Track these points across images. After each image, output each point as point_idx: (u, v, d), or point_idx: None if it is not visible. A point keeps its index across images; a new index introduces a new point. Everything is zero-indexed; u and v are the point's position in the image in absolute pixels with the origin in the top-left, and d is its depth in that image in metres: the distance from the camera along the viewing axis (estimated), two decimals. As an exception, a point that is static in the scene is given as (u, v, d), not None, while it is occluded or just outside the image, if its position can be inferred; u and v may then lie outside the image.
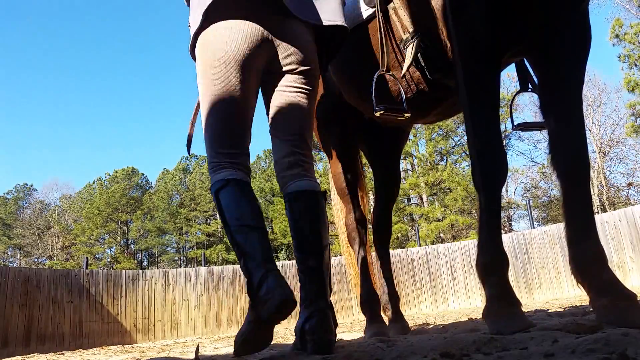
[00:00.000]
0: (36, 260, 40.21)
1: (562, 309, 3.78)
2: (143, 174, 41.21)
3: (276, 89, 1.89)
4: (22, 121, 63.89)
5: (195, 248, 35.99)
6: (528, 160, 28.92)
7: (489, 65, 1.79)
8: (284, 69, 1.87)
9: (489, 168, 1.76)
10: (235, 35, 1.76)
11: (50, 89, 63.72)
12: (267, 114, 1.94)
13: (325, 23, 1.93)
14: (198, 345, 3.38)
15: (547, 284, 9.41)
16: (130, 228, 38.50)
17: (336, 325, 1.83)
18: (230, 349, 3.25)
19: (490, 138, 1.77)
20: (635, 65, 16.48)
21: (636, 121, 17.32)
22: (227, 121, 1.78)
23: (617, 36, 16.68)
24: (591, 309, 1.90)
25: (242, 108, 1.80)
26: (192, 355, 3.26)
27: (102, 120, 66.30)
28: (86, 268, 9.96)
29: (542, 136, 27.63)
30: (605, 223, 8.83)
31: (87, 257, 16.03)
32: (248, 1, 1.80)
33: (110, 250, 38.80)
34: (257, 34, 1.78)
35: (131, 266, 33.98)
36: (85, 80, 64.00)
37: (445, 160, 21.18)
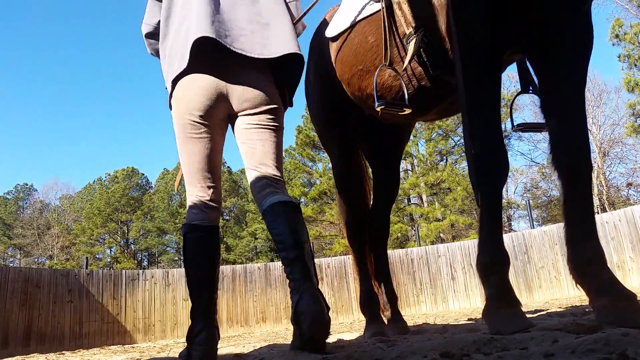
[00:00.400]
0: (36, 260, 40.20)
1: (562, 309, 3.78)
2: (143, 174, 41.22)
3: (241, 128, 2.14)
4: (22, 121, 63.91)
5: (195, 248, 35.93)
6: (528, 160, 28.94)
7: (489, 65, 1.80)
8: (245, 112, 2.11)
9: (490, 168, 1.76)
10: (198, 90, 2.05)
11: (50, 88, 63.73)
12: (239, 149, 2.19)
13: (275, 55, 2.09)
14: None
15: (546, 284, 9.41)
16: (130, 228, 38.50)
17: (328, 308, 1.94)
18: (230, 349, 3.25)
19: (491, 138, 1.77)
20: (635, 65, 16.48)
21: (636, 121, 17.33)
22: (197, 164, 2.12)
23: (617, 36, 16.68)
24: (591, 309, 1.90)
25: (210, 151, 2.13)
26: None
27: (102, 120, 66.32)
28: (86, 268, 9.96)
29: (542, 136, 27.64)
30: (605, 223, 8.83)
31: (87, 257, 16.04)
32: (206, 61, 2.04)
33: (110, 250, 38.80)
34: (215, 87, 2.05)
35: (131, 266, 33.98)
36: (85, 79, 64.02)
37: (445, 160, 21.17)
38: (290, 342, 2.16)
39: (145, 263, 40.21)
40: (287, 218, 1.97)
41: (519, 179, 29.44)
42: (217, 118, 2.13)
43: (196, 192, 2.12)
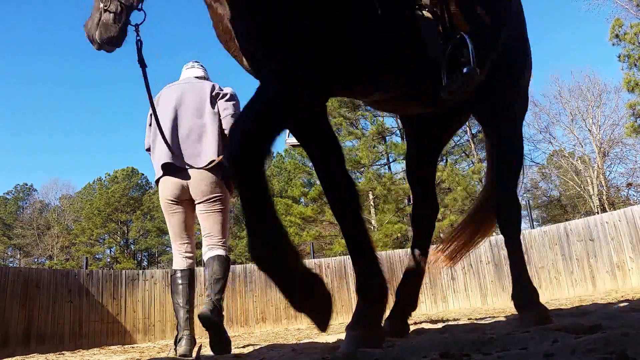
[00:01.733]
0: (36, 260, 40.19)
1: (562, 309, 3.78)
2: (143, 174, 41.17)
3: (197, 210, 3.44)
4: (22, 121, 63.91)
5: (195, 248, 35.96)
6: (528, 160, 28.93)
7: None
8: (198, 200, 3.39)
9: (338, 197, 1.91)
10: (170, 186, 3.42)
11: (50, 88, 63.72)
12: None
13: (203, 165, 3.27)
14: (200, 346, 3.38)
15: (546, 284, 9.41)
16: (130, 228, 38.50)
17: (222, 317, 3.35)
18: (230, 349, 3.25)
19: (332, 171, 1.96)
20: (635, 65, 16.48)
21: (636, 121, 17.32)
22: (175, 229, 3.50)
23: (617, 36, 16.68)
24: (591, 310, 1.90)
25: (182, 221, 3.48)
26: (193, 355, 3.26)
27: (102, 120, 66.33)
28: (86, 268, 9.96)
29: (542, 136, 27.60)
30: (605, 223, 8.83)
31: (87, 257, 16.03)
32: (172, 169, 3.39)
33: (110, 251, 38.79)
34: (179, 183, 3.39)
35: (131, 266, 33.96)
36: (85, 79, 64.02)
37: (445, 160, 21.16)
38: (290, 343, 2.16)
39: (145, 263, 40.20)
40: (215, 267, 3.35)
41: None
42: (184, 200, 3.44)
43: (176, 246, 3.52)
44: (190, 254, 3.48)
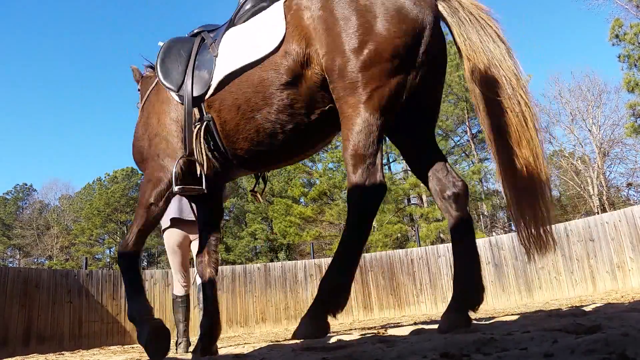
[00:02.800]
0: (36, 260, 40.19)
1: (562, 309, 3.78)
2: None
3: (192, 245, 4.78)
4: (22, 121, 63.89)
5: (195, 248, 35.98)
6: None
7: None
8: (194, 240, 4.71)
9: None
10: (176, 236, 4.74)
11: (50, 88, 63.71)
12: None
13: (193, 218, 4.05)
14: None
15: (546, 284, 9.41)
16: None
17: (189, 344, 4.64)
18: (230, 349, 3.25)
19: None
20: (635, 65, 16.48)
21: (636, 121, 17.32)
22: (177, 267, 4.83)
23: (616, 36, 16.68)
24: (591, 310, 1.90)
25: (182, 262, 4.80)
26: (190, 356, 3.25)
27: (102, 120, 66.32)
28: (86, 268, 9.94)
29: (541, 137, 27.56)
30: (605, 223, 8.83)
31: (86, 258, 16.02)
32: (180, 222, 4.69)
33: (110, 251, 38.78)
34: (183, 234, 4.74)
35: (131, 266, 33.92)
36: (85, 79, 64.02)
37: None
38: (290, 343, 2.17)
39: (144, 263, 40.20)
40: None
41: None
42: (184, 245, 4.80)
43: (177, 278, 4.86)
44: (186, 285, 4.85)
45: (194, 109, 2.43)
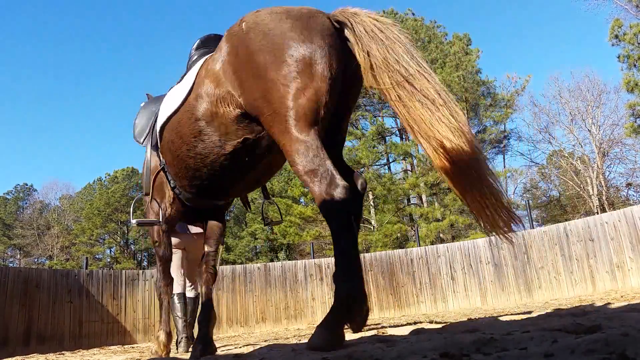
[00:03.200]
0: (36, 260, 40.18)
1: (561, 309, 3.78)
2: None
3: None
4: (22, 121, 63.88)
5: (194, 248, 35.92)
6: (527, 160, 28.90)
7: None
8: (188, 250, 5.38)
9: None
10: (173, 240, 4.61)
11: (50, 88, 63.70)
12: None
13: (194, 232, 5.31)
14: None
15: (546, 284, 9.41)
16: (130, 228, 38.46)
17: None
18: (230, 349, 3.26)
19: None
20: (635, 65, 16.47)
21: (635, 121, 17.32)
22: (174, 268, 4.83)
23: (616, 36, 16.68)
24: (590, 310, 1.90)
25: (179, 264, 5.26)
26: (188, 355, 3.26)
27: (102, 120, 66.30)
28: (86, 268, 9.94)
29: (541, 136, 27.58)
30: (605, 223, 8.83)
31: (87, 257, 16.02)
32: (180, 234, 5.25)
33: (110, 251, 38.78)
34: (177, 240, 5.18)
35: (131, 266, 33.96)
36: (85, 79, 64.00)
37: (445, 161, 21.13)
38: (290, 343, 2.17)
39: (145, 263, 40.18)
40: (190, 304, 5.30)
41: (519, 180, 29.43)
42: (180, 249, 5.30)
43: (176, 278, 4.83)
44: (182, 283, 5.23)
45: (159, 157, 2.97)
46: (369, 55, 2.16)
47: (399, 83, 2.10)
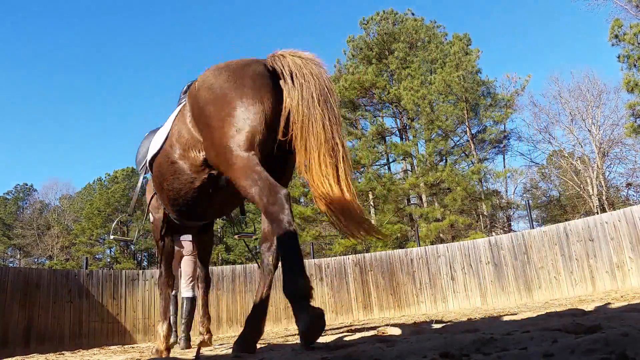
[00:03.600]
0: (36, 260, 40.18)
1: (561, 309, 3.78)
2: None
3: (183, 260, 5.88)
4: (22, 121, 63.88)
5: (194, 248, 35.95)
6: (527, 160, 28.91)
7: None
8: (186, 254, 5.87)
9: None
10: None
11: (50, 88, 63.70)
12: None
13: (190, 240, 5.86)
14: (199, 346, 3.39)
15: (546, 284, 9.41)
16: (130, 228, 38.48)
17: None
18: (230, 349, 3.25)
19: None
20: (635, 65, 16.48)
21: (635, 121, 17.32)
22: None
23: (616, 36, 16.67)
24: (590, 310, 1.90)
25: (174, 267, 5.43)
26: (192, 355, 3.27)
27: (102, 120, 66.31)
28: (86, 268, 9.94)
29: (541, 137, 27.58)
30: (605, 223, 8.83)
31: (87, 257, 16.01)
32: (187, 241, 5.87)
33: (110, 251, 38.79)
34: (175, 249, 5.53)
35: (131, 266, 33.96)
36: (85, 80, 64.01)
37: (444, 161, 21.15)
38: (290, 343, 2.18)
39: (145, 263, 40.18)
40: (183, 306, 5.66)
41: (519, 180, 29.43)
42: (177, 257, 5.67)
43: (183, 282, 5.67)
44: (191, 287, 5.80)
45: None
46: (289, 95, 2.52)
47: (303, 126, 2.44)
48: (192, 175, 2.88)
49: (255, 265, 10.85)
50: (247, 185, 2.31)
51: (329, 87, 2.55)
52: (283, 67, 2.57)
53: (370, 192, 21.48)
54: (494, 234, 20.48)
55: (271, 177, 2.29)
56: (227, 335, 8.90)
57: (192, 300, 5.53)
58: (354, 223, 2.38)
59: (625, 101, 18.62)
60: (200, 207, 3.12)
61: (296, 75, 2.53)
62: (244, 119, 2.48)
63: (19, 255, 41.79)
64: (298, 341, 3.37)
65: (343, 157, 2.48)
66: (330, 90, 2.56)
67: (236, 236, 5.52)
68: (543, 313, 3.14)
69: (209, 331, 4.50)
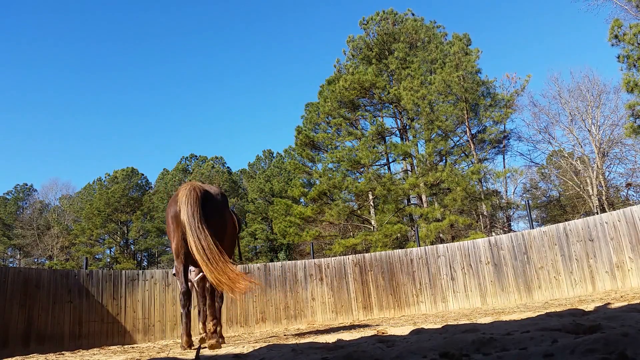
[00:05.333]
0: (36, 260, 40.16)
1: (561, 309, 3.78)
2: (143, 174, 41.17)
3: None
4: (22, 121, 63.83)
5: (194, 248, 35.88)
6: (527, 160, 28.89)
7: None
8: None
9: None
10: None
11: (50, 88, 63.67)
12: None
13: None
14: (199, 346, 3.39)
15: (546, 284, 9.41)
16: (130, 228, 38.47)
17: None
18: (230, 349, 3.26)
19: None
20: (635, 65, 16.47)
21: (635, 121, 17.32)
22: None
23: (616, 37, 16.67)
24: (590, 310, 1.90)
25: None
26: (192, 355, 3.27)
27: (102, 120, 66.26)
28: (86, 268, 9.94)
29: (541, 137, 27.57)
30: (605, 223, 8.83)
31: (86, 258, 16.01)
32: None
33: (110, 251, 38.76)
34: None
35: (131, 266, 33.94)
36: (85, 80, 63.97)
37: (444, 161, 21.13)
38: (289, 343, 2.17)
39: (145, 263, 40.17)
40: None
41: (519, 180, 29.42)
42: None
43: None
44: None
45: None
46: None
47: (191, 232, 4.57)
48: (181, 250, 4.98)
49: (255, 265, 10.86)
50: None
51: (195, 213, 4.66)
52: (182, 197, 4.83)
53: (370, 192, 21.47)
54: (493, 234, 20.48)
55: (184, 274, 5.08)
56: (227, 336, 8.89)
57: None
58: (230, 282, 4.20)
59: (625, 101, 18.63)
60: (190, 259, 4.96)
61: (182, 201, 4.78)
62: (175, 235, 4.92)
63: (18, 256, 41.77)
64: (298, 341, 3.37)
65: (206, 249, 4.40)
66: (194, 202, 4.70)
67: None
68: (543, 313, 3.14)
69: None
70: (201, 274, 6.07)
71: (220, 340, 5.12)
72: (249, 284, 4.12)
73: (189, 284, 5.71)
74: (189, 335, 5.15)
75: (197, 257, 4.35)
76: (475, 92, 20.25)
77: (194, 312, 7.78)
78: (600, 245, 8.82)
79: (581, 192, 26.01)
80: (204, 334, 5.10)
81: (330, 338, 2.90)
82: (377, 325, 6.52)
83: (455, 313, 8.37)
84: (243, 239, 33.57)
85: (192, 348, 5.26)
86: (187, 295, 4.97)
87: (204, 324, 5.42)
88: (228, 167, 40.33)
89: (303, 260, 11.05)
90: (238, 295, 4.07)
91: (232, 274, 4.15)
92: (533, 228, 10.37)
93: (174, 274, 5.59)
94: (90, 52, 63.35)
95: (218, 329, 5.27)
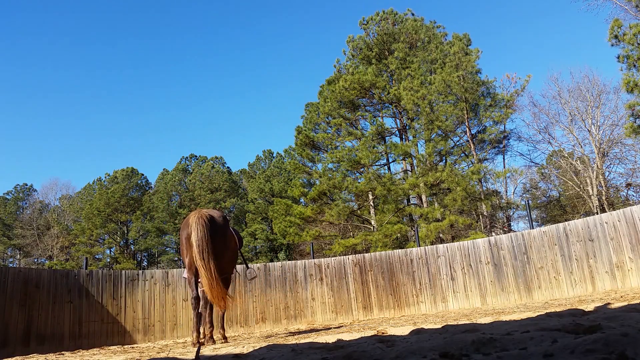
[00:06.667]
0: (36, 260, 40.16)
1: (561, 309, 3.78)
2: (142, 175, 41.16)
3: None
4: (22, 121, 63.82)
5: (194, 248, 35.88)
6: (527, 160, 28.90)
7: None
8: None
9: None
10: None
11: (50, 88, 63.68)
12: None
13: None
14: (199, 346, 3.39)
15: (546, 284, 9.41)
16: (129, 228, 38.47)
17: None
18: (230, 349, 3.26)
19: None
20: (635, 65, 16.47)
21: (635, 122, 17.32)
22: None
23: (616, 37, 16.67)
24: (590, 310, 1.90)
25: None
26: (192, 355, 3.27)
27: (102, 121, 66.26)
28: (86, 268, 9.93)
29: (541, 137, 27.57)
30: (605, 223, 8.83)
31: (86, 258, 16.00)
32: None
33: (110, 251, 38.76)
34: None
35: (131, 266, 33.94)
36: (85, 80, 63.97)
37: (444, 161, 21.13)
38: (289, 343, 2.17)
39: (144, 263, 40.18)
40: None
41: (519, 180, 29.42)
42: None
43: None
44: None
45: None
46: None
47: (200, 258, 5.61)
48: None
49: (255, 265, 10.86)
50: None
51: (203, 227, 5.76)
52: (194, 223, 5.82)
53: (370, 192, 21.47)
54: (493, 234, 20.48)
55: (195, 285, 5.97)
56: (227, 336, 8.89)
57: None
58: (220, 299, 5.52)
59: (625, 101, 18.64)
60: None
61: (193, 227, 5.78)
62: (188, 254, 5.85)
63: (18, 256, 41.77)
64: (298, 341, 3.38)
65: (209, 271, 5.55)
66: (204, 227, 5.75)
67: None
68: (543, 313, 3.14)
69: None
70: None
71: (212, 340, 6.05)
72: (225, 303, 5.71)
73: (200, 290, 6.53)
74: (198, 331, 5.93)
75: (200, 272, 5.58)
76: (475, 92, 20.25)
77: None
78: (600, 245, 8.82)
79: (581, 192, 26.02)
80: (202, 338, 6.06)
81: (330, 338, 2.90)
82: (377, 325, 6.52)
83: (455, 313, 8.37)
84: (242, 239, 33.61)
85: (201, 341, 6.00)
86: (197, 299, 5.90)
87: (203, 328, 6.28)
88: (228, 167, 40.32)
89: (303, 260, 11.05)
90: (220, 309, 5.98)
91: (217, 292, 5.49)
92: (533, 228, 10.37)
93: (185, 277, 6.41)
94: (90, 52, 63.37)
95: (220, 331, 6.78)
